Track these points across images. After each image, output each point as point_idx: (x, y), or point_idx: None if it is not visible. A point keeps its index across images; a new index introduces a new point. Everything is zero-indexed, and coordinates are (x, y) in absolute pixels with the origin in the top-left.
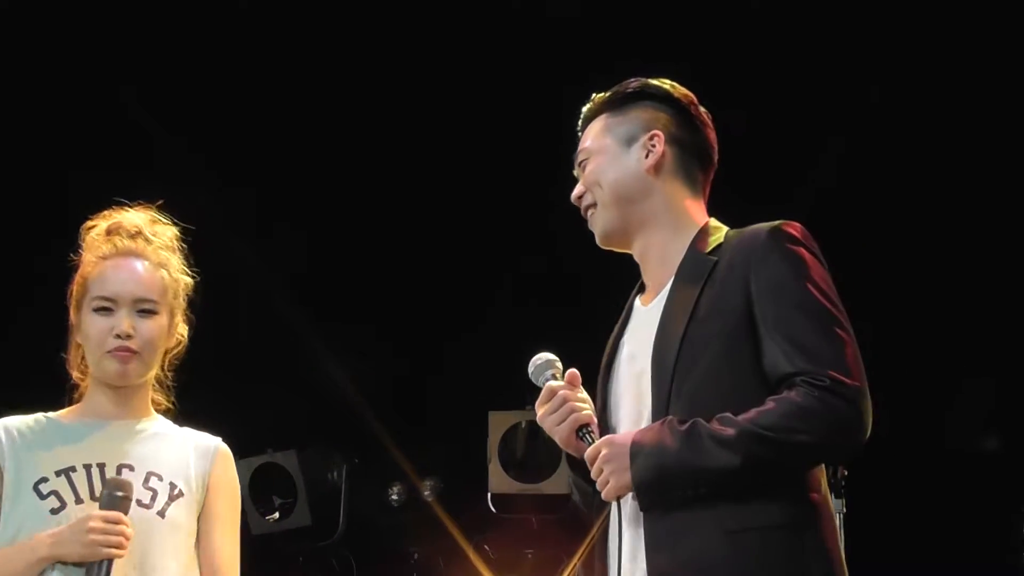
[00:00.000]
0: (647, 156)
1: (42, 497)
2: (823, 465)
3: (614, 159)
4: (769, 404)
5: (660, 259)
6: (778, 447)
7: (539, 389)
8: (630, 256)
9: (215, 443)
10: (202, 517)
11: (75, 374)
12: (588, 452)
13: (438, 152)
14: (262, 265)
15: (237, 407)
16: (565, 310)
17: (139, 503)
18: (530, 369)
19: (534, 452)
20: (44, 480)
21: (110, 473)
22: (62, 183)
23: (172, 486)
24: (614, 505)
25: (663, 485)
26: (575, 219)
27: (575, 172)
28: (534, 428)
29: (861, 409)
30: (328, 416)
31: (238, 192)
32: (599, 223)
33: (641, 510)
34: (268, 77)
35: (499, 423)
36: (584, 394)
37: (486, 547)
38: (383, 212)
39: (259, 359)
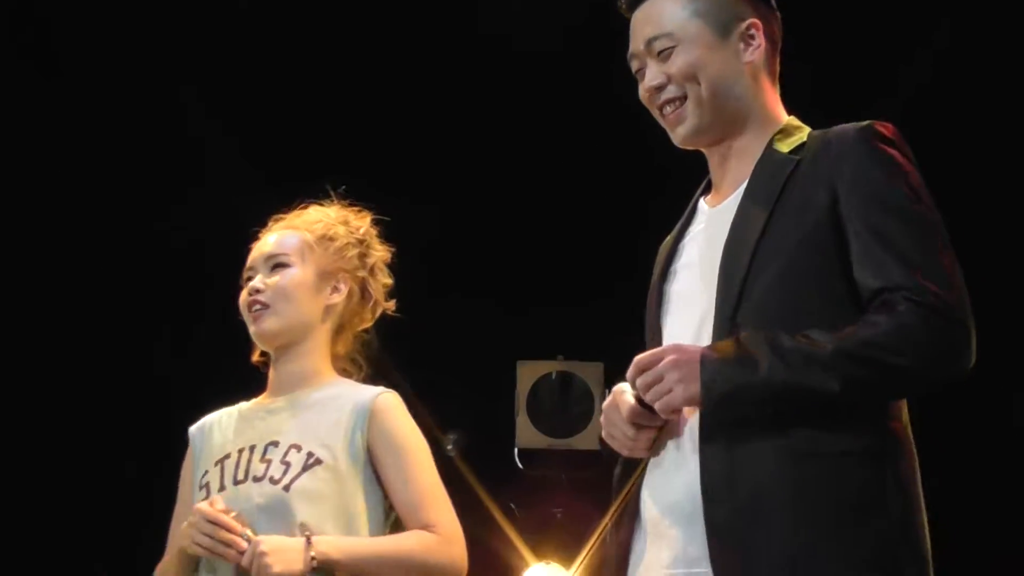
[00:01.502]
0: (747, 50)
1: (199, 489)
2: None
3: (712, 50)
4: (869, 321)
5: (739, 158)
6: (880, 370)
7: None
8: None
9: (369, 399)
10: (380, 474)
11: (255, 358)
12: (645, 356)
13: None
14: None
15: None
16: (597, 258)
17: (271, 480)
18: None
19: (565, 405)
20: (205, 473)
21: (258, 453)
22: None
23: (309, 455)
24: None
25: (738, 400)
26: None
27: (639, 57)
28: (565, 379)
29: (970, 334)
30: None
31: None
32: (691, 120)
33: (703, 429)
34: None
35: (528, 373)
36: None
37: (512, 505)
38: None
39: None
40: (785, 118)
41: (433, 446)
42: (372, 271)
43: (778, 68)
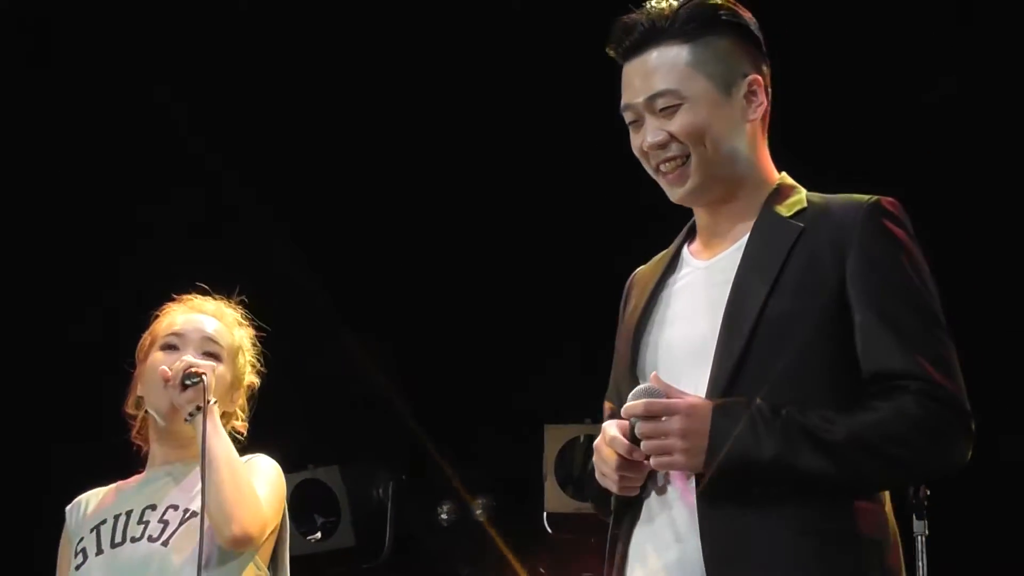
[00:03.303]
0: (750, 108)
1: (75, 555)
2: None
3: (718, 109)
4: (875, 407)
5: (734, 215)
6: (886, 461)
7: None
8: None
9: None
10: None
11: (134, 437)
12: (658, 405)
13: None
14: (303, 274)
15: (277, 420)
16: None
17: (149, 539)
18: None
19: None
20: (80, 539)
21: (135, 517)
22: None
23: (186, 511)
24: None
25: (742, 478)
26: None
27: (636, 110)
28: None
29: (972, 428)
30: (374, 429)
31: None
32: (693, 180)
33: (704, 498)
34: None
35: (556, 437)
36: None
37: (541, 569)
38: (426, 221)
39: (300, 370)
40: (777, 175)
41: (463, 511)
42: (252, 387)
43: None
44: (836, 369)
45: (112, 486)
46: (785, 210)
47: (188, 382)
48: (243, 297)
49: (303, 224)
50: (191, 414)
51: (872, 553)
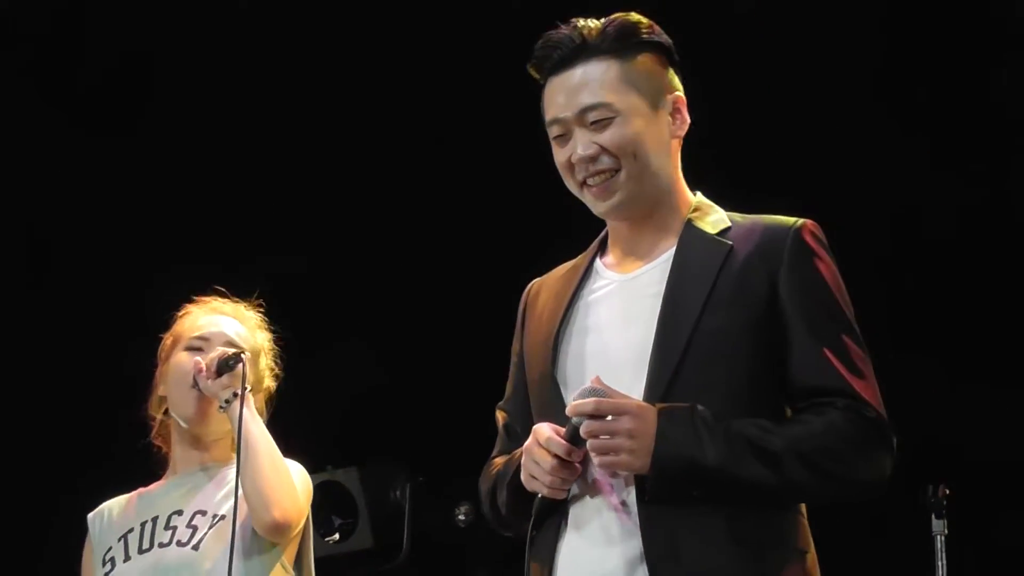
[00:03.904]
0: (675, 125)
1: (103, 564)
2: None
3: (647, 124)
4: (814, 423)
5: (655, 230)
6: (821, 475)
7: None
8: None
9: None
10: None
11: (155, 440)
12: (607, 404)
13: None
14: (322, 271)
15: (295, 422)
16: None
17: (179, 543)
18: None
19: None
20: (108, 549)
21: (161, 523)
22: None
23: (215, 516)
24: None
25: (685, 482)
26: None
27: (564, 123)
28: None
29: (894, 450)
30: (391, 431)
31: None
32: (621, 194)
33: (644, 501)
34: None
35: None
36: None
37: None
38: (460, 212)
39: (317, 370)
40: (692, 195)
41: (481, 512)
42: (270, 390)
43: None
44: (762, 383)
45: (134, 493)
46: (710, 228)
47: (229, 363)
48: (261, 301)
49: (310, 219)
50: (227, 401)
51: (798, 562)
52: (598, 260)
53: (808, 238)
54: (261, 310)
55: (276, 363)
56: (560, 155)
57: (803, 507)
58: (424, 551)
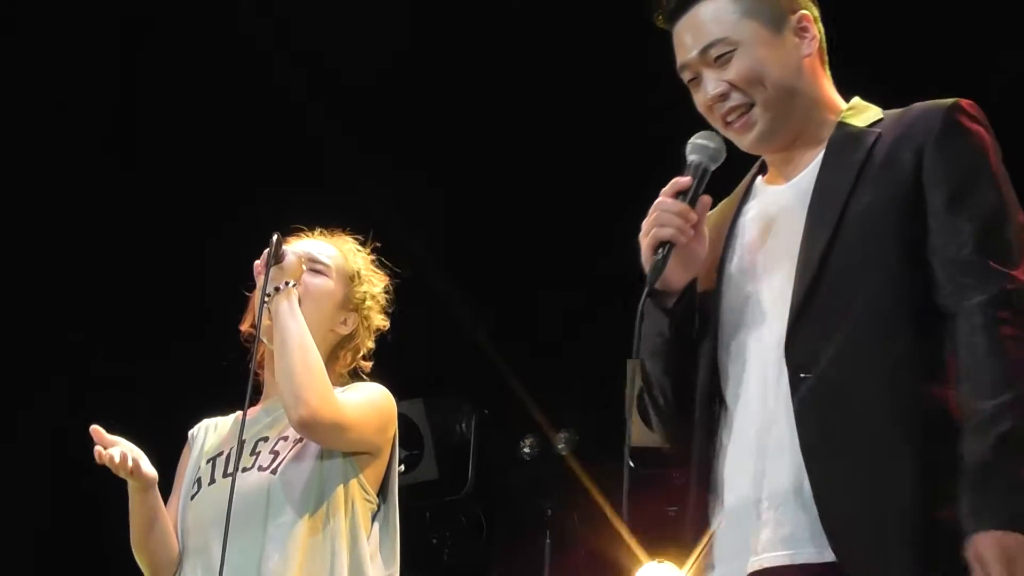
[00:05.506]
0: (803, 44)
1: (192, 485)
2: None
3: (771, 49)
4: (978, 348)
5: (806, 145)
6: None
7: None
8: None
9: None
10: None
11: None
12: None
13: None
14: (391, 211)
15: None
16: None
17: (259, 468)
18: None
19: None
20: (199, 468)
21: (247, 448)
22: None
23: (297, 440)
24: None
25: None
26: None
27: (692, 67)
28: None
29: None
30: (457, 363)
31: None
32: (761, 125)
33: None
34: None
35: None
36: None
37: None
38: (521, 161)
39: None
40: (844, 104)
41: (545, 444)
42: (369, 320)
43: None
44: (907, 259)
45: (233, 415)
46: (860, 121)
47: (274, 255)
48: (377, 243)
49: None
50: (268, 295)
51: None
52: (758, 179)
53: (959, 115)
54: (374, 255)
55: (386, 301)
56: (697, 99)
57: None
58: (488, 483)
